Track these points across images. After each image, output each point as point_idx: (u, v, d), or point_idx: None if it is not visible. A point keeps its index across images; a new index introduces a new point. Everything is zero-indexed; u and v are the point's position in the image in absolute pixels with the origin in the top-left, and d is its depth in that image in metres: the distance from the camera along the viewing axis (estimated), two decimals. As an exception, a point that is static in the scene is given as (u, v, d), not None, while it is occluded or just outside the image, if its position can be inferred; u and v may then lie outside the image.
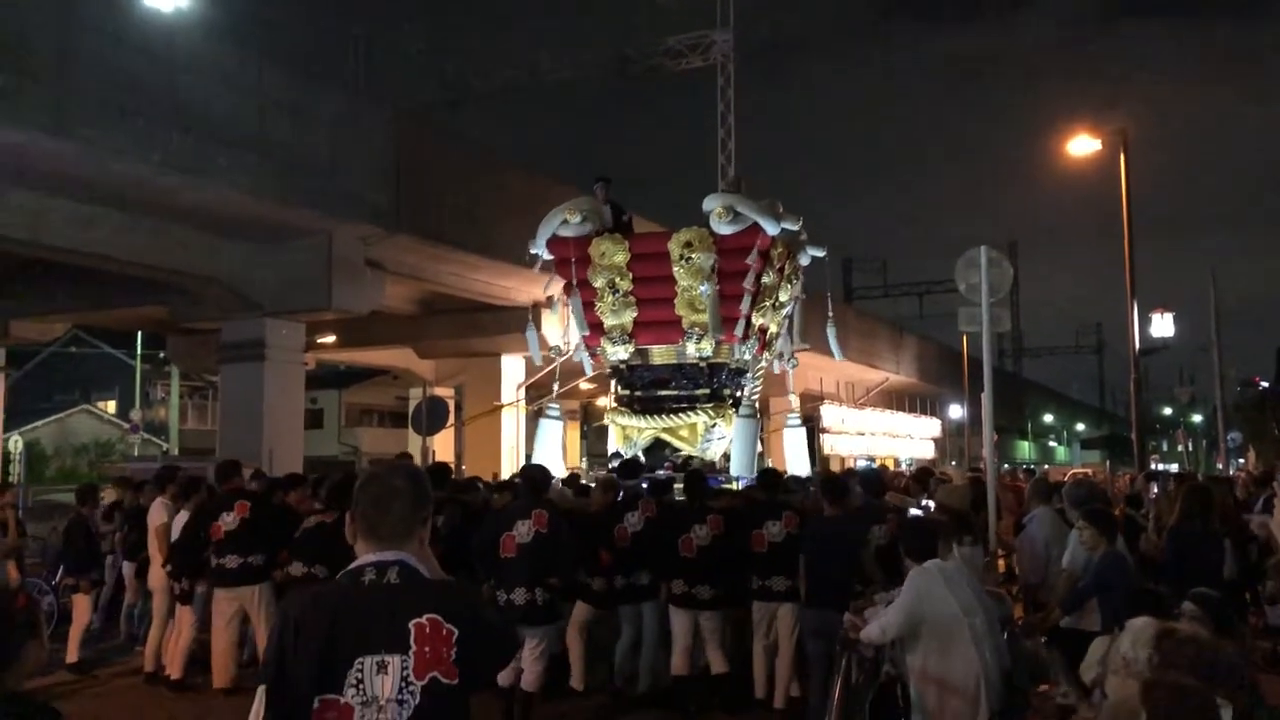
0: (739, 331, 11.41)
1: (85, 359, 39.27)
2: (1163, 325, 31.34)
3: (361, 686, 2.37)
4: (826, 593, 6.97)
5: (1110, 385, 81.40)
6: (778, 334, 12.46)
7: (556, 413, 12.58)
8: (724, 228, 11.02)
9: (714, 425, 11.28)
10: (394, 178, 17.36)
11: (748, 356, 11.89)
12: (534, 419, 33.28)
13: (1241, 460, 39.38)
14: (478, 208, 19.11)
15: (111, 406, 41.29)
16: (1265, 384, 48.63)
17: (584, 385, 24.84)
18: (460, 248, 19.02)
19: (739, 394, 11.81)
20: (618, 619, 8.51)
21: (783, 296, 12.01)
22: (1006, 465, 36.01)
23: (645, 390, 11.75)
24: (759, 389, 12.40)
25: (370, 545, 2.53)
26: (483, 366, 25.05)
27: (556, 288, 12.37)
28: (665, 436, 11.48)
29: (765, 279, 11.51)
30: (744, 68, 27.06)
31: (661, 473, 10.40)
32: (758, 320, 11.73)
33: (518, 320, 23.33)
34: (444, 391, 24.87)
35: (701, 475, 9.12)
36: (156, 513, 9.24)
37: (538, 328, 13.06)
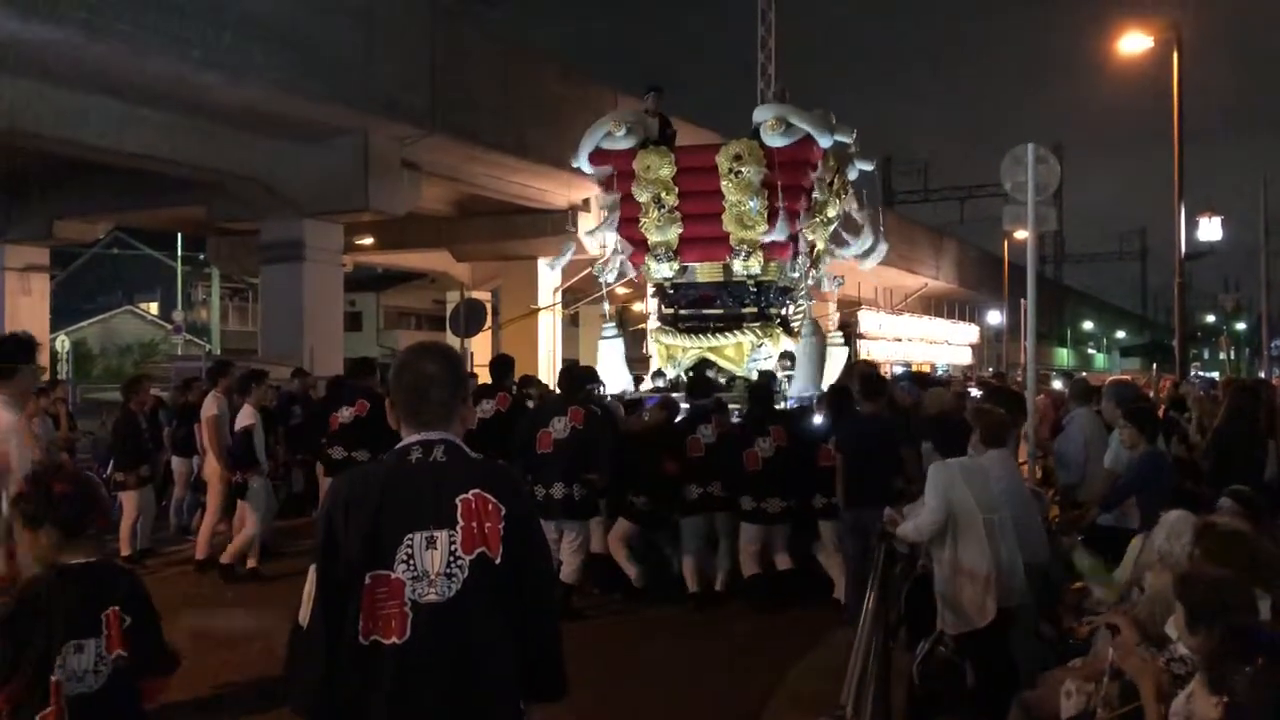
0: (790, 248, 11.12)
1: (127, 261, 39.65)
2: (1210, 229, 30.66)
3: (411, 561, 2.41)
4: (864, 491, 7.01)
5: (1153, 292, 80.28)
6: (825, 251, 12.12)
7: (613, 331, 12.19)
8: (776, 140, 10.63)
9: (760, 345, 11.00)
10: (430, 76, 17.20)
11: (796, 274, 11.63)
12: (572, 323, 33.47)
13: (1284, 369, 38.89)
14: (514, 108, 18.92)
15: (154, 308, 41.81)
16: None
17: (620, 290, 24.84)
18: (496, 149, 18.89)
19: (785, 313, 11.58)
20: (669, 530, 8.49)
21: (830, 212, 11.66)
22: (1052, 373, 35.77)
23: (690, 308, 11.50)
24: (806, 305, 12.08)
25: (413, 429, 2.56)
26: (519, 270, 25.06)
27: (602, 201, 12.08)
28: (710, 356, 11.19)
29: (816, 193, 11.22)
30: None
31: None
32: (808, 236, 11.45)
33: (554, 223, 23.30)
34: (481, 295, 24.93)
35: (768, 387, 9.04)
36: (210, 406, 9.40)
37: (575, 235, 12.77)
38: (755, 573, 8.00)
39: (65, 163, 18.01)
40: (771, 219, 10.65)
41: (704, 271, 11.42)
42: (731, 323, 11.21)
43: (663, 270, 11.34)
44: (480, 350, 21.44)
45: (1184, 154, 17.16)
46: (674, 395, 9.68)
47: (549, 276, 25.30)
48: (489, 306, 23.25)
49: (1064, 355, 65.85)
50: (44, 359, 23.91)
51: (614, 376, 11.42)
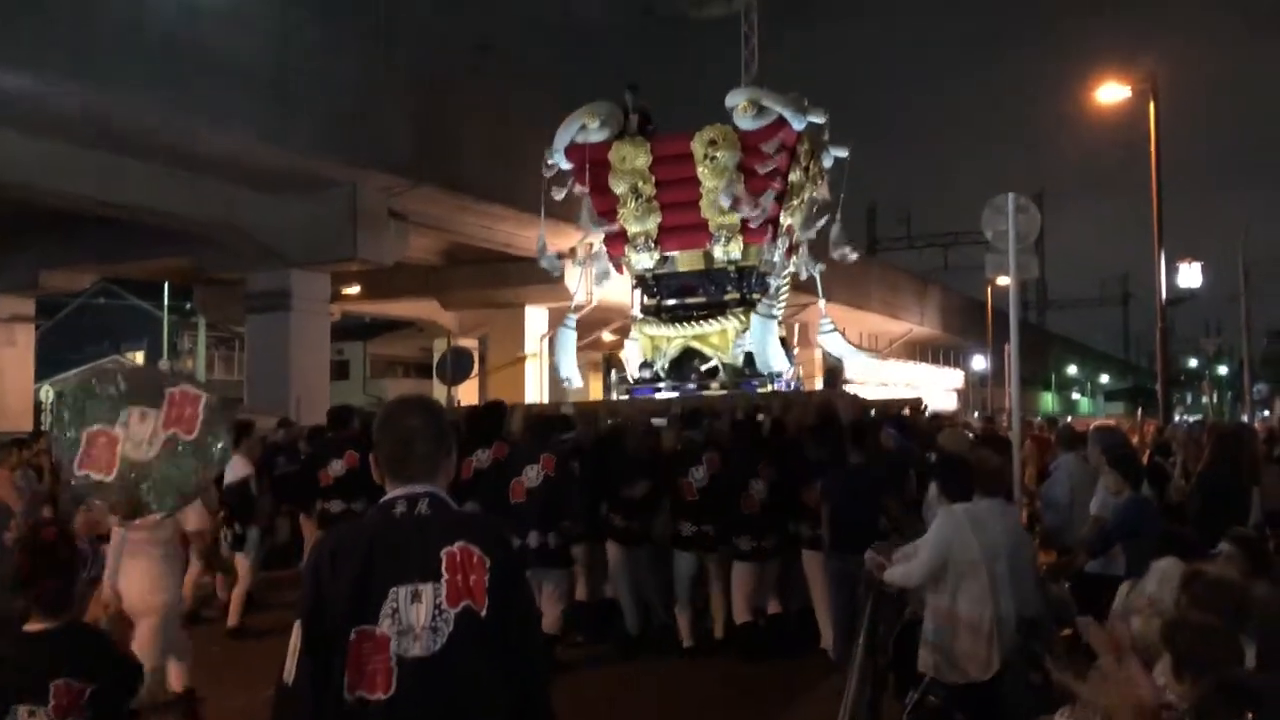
0: (769, 232, 11.11)
1: (114, 310, 39.55)
2: (1190, 275, 30.95)
3: (397, 616, 2.40)
4: (850, 539, 6.98)
5: (1135, 337, 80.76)
6: (804, 237, 12.07)
7: (572, 323, 12.35)
8: (749, 123, 10.67)
9: (745, 330, 10.99)
10: (419, 128, 17.32)
11: (776, 259, 11.57)
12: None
13: (1267, 412, 39.09)
14: (502, 157, 19.03)
15: (140, 357, 41.58)
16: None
17: (606, 337, 24.91)
18: (485, 198, 18.99)
19: (767, 298, 11.52)
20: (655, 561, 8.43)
21: (806, 196, 11.67)
22: (1037, 418, 35.89)
23: (673, 298, 11.46)
24: (787, 290, 12.04)
25: (397, 484, 2.56)
26: (506, 317, 25.11)
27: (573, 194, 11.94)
28: (695, 345, 11.18)
29: (792, 176, 11.17)
30: (768, 14, 26.59)
31: (691, 386, 10.37)
32: (785, 220, 11.39)
33: (542, 271, 23.13)
34: (468, 342, 24.94)
35: (752, 423, 8.91)
36: None
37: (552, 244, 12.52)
38: (748, 620, 7.93)
39: (52, 213, 18.04)
40: (748, 198, 10.61)
41: (685, 260, 11.41)
42: (715, 310, 11.19)
43: (643, 261, 11.34)
44: (468, 399, 21.40)
45: (1163, 201, 17.39)
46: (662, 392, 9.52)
47: (536, 323, 25.36)
48: (476, 354, 23.25)
49: (1049, 400, 66.01)
50: (28, 410, 23.79)
51: (570, 365, 11.45)
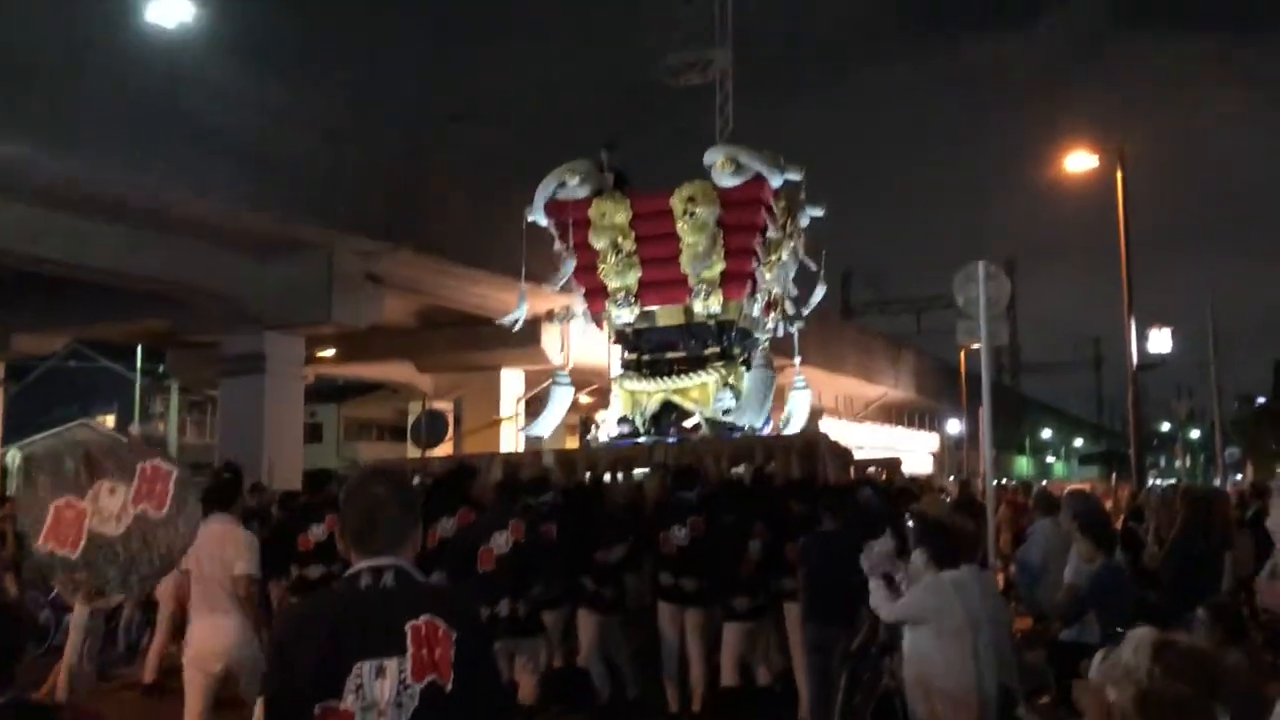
0: (748, 287, 11.15)
1: (85, 373, 39.23)
2: (1160, 340, 31.40)
3: (361, 691, 2.37)
4: (826, 607, 6.93)
5: (1108, 400, 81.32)
6: (782, 295, 12.06)
7: (567, 380, 12.26)
8: (727, 180, 10.73)
9: (726, 385, 10.94)
10: (395, 192, 17.42)
11: (755, 313, 11.61)
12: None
13: (1239, 476, 39.34)
14: (477, 221, 19.14)
15: (110, 421, 41.20)
16: (1263, 399, 48.62)
17: (583, 399, 24.85)
18: (461, 262, 19.05)
19: (749, 354, 11.50)
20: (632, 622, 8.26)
21: (785, 255, 11.68)
22: (1007, 480, 36.00)
23: (653, 353, 11.40)
24: (767, 346, 11.90)
25: (363, 556, 2.53)
26: (482, 380, 25.07)
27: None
28: (675, 399, 11.08)
29: (770, 233, 11.26)
30: (743, 85, 27.08)
31: (671, 440, 10.32)
32: (764, 276, 11.45)
33: (517, 334, 23.37)
34: (443, 405, 24.86)
35: (740, 485, 8.77)
36: None
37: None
38: (733, 685, 7.76)
39: (24, 276, 17.96)
40: (727, 258, 10.69)
41: (665, 315, 11.39)
42: (695, 364, 11.12)
43: (624, 315, 11.29)
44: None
45: (1132, 267, 17.63)
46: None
47: (512, 386, 25.31)
48: (451, 417, 23.17)
49: (1023, 464, 66.30)
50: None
51: (549, 422, 11.40)
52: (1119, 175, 17.69)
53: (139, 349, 32.23)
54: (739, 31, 26.58)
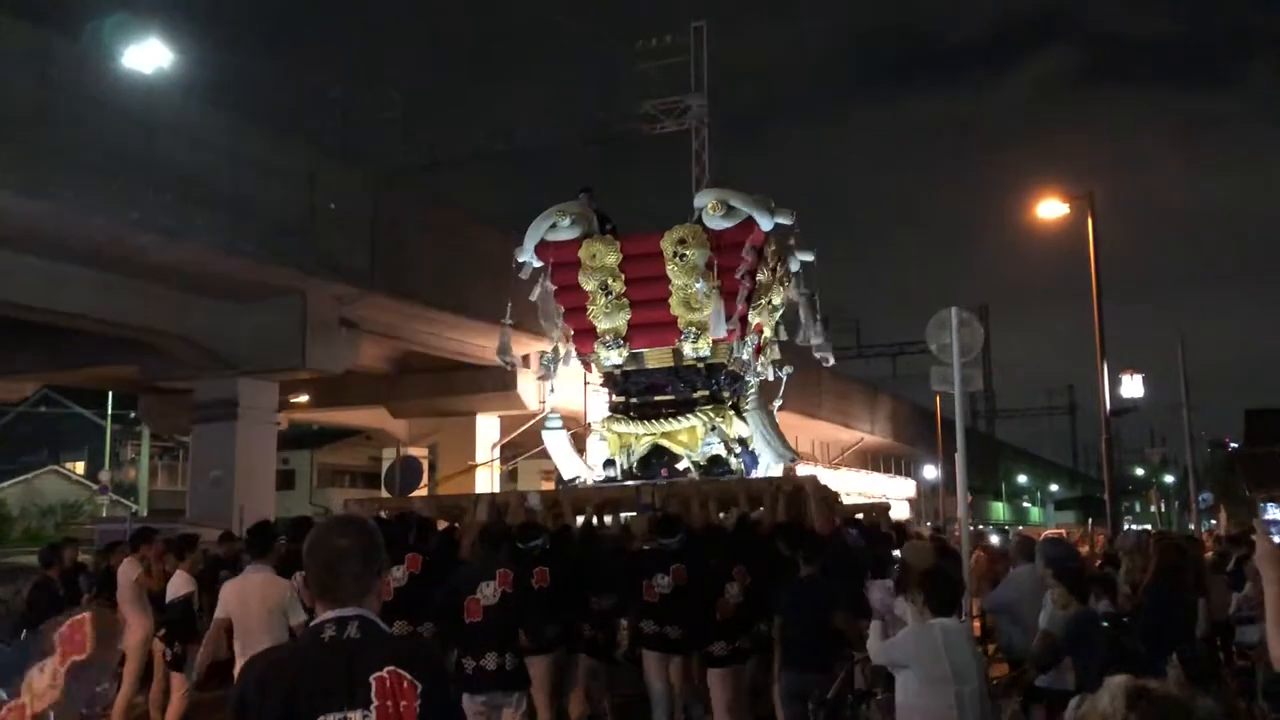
0: (738, 330, 11.09)
1: (54, 419, 38.83)
2: (1132, 386, 31.66)
3: (326, 743, 2.33)
4: (803, 654, 6.88)
5: (1083, 446, 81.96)
6: (772, 339, 12.11)
7: (558, 423, 12.06)
8: (717, 222, 10.74)
9: (713, 428, 10.89)
10: (370, 238, 17.43)
11: (745, 356, 11.56)
12: (510, 478, 33.15)
13: (1213, 521, 39.53)
14: (453, 268, 19.18)
15: (80, 467, 40.74)
16: (1235, 445, 48.98)
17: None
18: (435, 307, 19.06)
19: (737, 398, 11.46)
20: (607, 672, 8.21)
21: (775, 299, 11.71)
22: (983, 526, 36.04)
23: (641, 396, 11.37)
24: (755, 390, 11.92)
25: (326, 605, 2.51)
26: (457, 426, 24.97)
27: (541, 292, 11.68)
28: (664, 442, 11.03)
29: (760, 276, 11.22)
30: (719, 133, 27.31)
31: (660, 480, 10.23)
32: (754, 319, 11.43)
33: (492, 380, 23.35)
34: (418, 451, 24.69)
35: (723, 531, 8.66)
36: (127, 572, 9.09)
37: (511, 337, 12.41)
38: None
39: (-6, 321, 17.83)
40: (722, 303, 10.64)
41: (654, 357, 11.34)
42: (683, 407, 11.08)
43: (612, 358, 11.26)
44: (416, 509, 21.13)
45: (1104, 313, 17.79)
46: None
47: (487, 431, 25.20)
48: (426, 463, 23.01)
49: (999, 509, 66.44)
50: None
51: (566, 464, 11.28)
52: (1089, 222, 17.91)
53: (110, 395, 31.94)
54: (713, 82, 26.89)
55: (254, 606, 6.47)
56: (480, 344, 21.60)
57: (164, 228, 14.03)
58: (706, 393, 11.15)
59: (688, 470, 10.71)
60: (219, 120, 15.42)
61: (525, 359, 22.94)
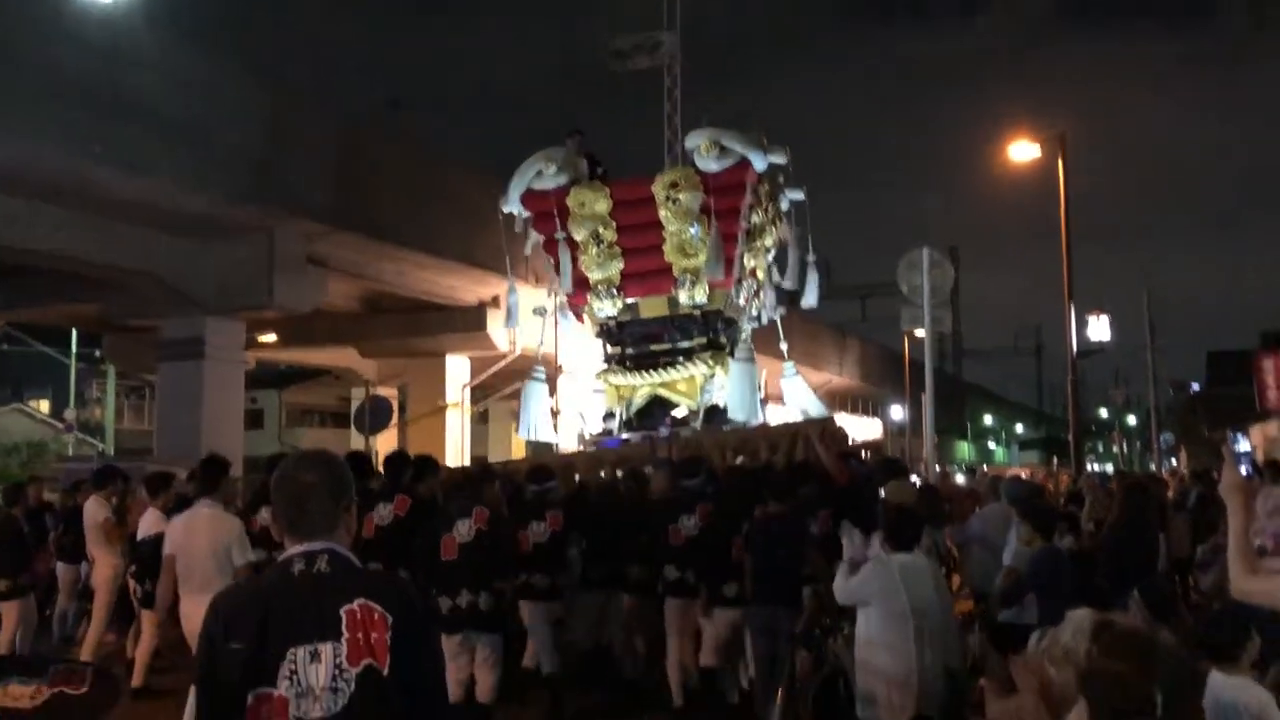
0: (734, 274, 10.88)
1: (17, 357, 38.36)
2: (1099, 328, 31.98)
3: (295, 677, 2.33)
4: (772, 589, 6.89)
5: (1048, 387, 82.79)
6: (765, 281, 11.83)
7: (542, 374, 11.89)
8: (711, 164, 10.40)
9: (713, 375, 10.70)
10: (338, 174, 17.19)
11: (742, 301, 11.34)
12: (481, 420, 33.15)
13: (1174, 461, 40.23)
14: (422, 206, 18.97)
15: (45, 406, 40.41)
16: (1197, 387, 49.67)
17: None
18: (405, 245, 18.87)
19: (734, 343, 11.26)
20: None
21: (768, 241, 11.42)
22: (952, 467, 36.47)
23: (637, 346, 11.11)
24: (749, 339, 11.77)
25: (295, 540, 2.50)
26: (426, 366, 24.86)
27: (534, 245, 11.64)
28: (663, 392, 10.81)
29: (755, 218, 10.96)
30: (692, 70, 26.97)
31: (664, 429, 10.11)
32: (749, 263, 11.19)
33: (463, 320, 23.25)
34: (387, 391, 24.63)
35: (741, 479, 8.40)
36: (98, 510, 9.04)
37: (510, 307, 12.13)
38: (712, 665, 7.62)
39: (-46, 257, 17.51)
40: (715, 249, 10.37)
41: (649, 306, 11.11)
42: (681, 356, 10.86)
43: (606, 308, 11.00)
44: (386, 449, 21.12)
45: (1073, 256, 17.87)
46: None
47: (457, 372, 25.13)
48: (395, 403, 22.97)
49: (965, 449, 67.25)
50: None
51: (541, 420, 11.18)
52: (1060, 164, 17.92)
53: (74, 333, 31.58)
54: (685, 19, 26.52)
55: (200, 543, 6.39)
56: (450, 284, 21.45)
57: (126, 163, 13.75)
58: (704, 340, 10.91)
59: (688, 419, 10.50)
60: (183, 53, 15.07)
61: (495, 299, 22.86)
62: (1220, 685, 4.03)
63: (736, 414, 10.45)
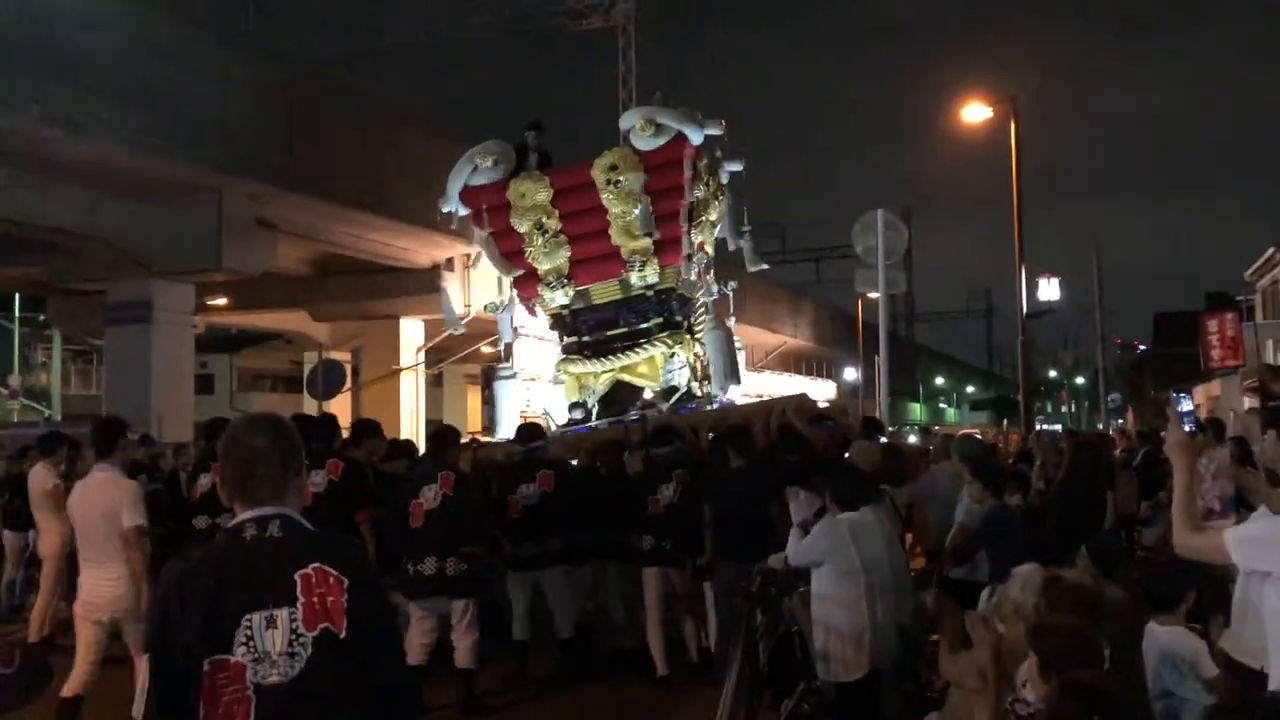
0: (683, 251, 10.71)
1: (-41, 322, 37.56)
2: (1049, 290, 32.38)
3: (252, 644, 2.31)
4: (736, 546, 6.84)
5: (998, 349, 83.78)
6: (711, 255, 11.71)
7: (510, 373, 11.74)
8: (647, 142, 10.28)
9: (673, 355, 10.61)
10: (287, 134, 16.90)
11: (693, 278, 11.22)
12: (435, 383, 32.97)
13: (1120, 420, 40.97)
14: (374, 166, 18.74)
15: (-12, 372, 39.63)
16: (1143, 347, 50.56)
17: (485, 349, 24.69)
18: (356, 207, 18.65)
19: (690, 320, 11.16)
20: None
21: (713, 215, 11.25)
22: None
23: (592, 334, 10.96)
24: (709, 304, 11.64)
25: (245, 505, 2.47)
26: (380, 330, 24.67)
27: (482, 239, 11.33)
28: (625, 377, 10.69)
29: (697, 192, 10.80)
30: (646, 30, 26.81)
31: (634, 413, 10.06)
32: (696, 238, 11.01)
33: (416, 282, 23.06)
34: (340, 355, 24.40)
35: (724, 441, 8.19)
36: (45, 477, 8.91)
37: (460, 285, 12.13)
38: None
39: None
40: (658, 224, 10.30)
41: (600, 292, 10.93)
42: (638, 338, 10.75)
43: (558, 298, 10.83)
44: (340, 413, 20.96)
45: (1024, 217, 18.05)
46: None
47: (411, 335, 24.95)
48: (349, 367, 22.78)
49: (917, 410, 67.95)
50: None
51: (510, 419, 11.11)
52: (1013, 126, 18.05)
53: (16, 297, 30.92)
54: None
55: (95, 512, 6.13)
56: (403, 246, 21.25)
57: (67, 121, 13.42)
58: (660, 320, 10.78)
59: (654, 402, 10.34)
60: (124, 7, 14.69)
61: (449, 261, 22.67)
62: (1158, 634, 4.14)
63: (721, 381, 10.40)
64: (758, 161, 11.30)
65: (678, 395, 10.35)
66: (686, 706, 6.82)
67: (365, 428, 8.90)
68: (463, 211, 11.01)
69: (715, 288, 11.90)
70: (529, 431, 8.33)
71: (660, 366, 10.68)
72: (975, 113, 18.71)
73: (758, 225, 12.00)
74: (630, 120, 10.60)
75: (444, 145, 20.05)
